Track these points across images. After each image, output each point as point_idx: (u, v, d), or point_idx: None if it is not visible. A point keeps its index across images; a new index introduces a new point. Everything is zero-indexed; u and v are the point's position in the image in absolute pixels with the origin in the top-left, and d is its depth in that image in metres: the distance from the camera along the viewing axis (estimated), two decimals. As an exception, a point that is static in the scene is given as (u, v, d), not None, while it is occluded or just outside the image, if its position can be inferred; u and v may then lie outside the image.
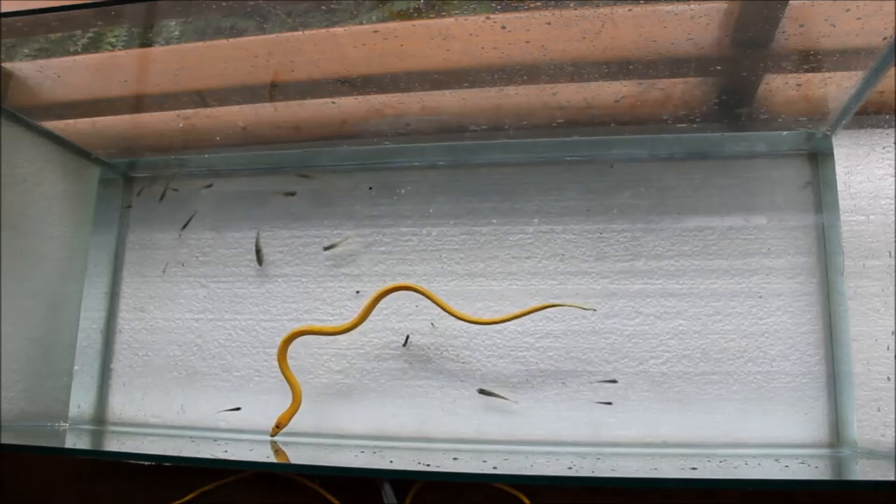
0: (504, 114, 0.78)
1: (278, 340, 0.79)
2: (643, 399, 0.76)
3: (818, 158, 0.78)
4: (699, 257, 0.78)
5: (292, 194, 0.86)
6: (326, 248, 0.83)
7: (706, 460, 0.67)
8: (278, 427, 0.75)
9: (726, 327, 0.76)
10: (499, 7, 0.62)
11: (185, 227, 0.90)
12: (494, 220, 0.83)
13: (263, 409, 0.82)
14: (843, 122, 0.74)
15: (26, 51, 0.72)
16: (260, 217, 0.89)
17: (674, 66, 0.68)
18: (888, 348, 0.71)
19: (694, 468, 0.63)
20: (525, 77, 0.71)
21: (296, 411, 0.77)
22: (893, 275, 0.72)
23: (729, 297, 0.77)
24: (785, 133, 0.78)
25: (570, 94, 0.74)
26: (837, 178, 0.76)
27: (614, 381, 0.76)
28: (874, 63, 0.64)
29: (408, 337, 0.81)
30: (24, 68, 0.75)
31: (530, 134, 0.82)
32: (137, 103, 0.82)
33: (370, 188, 0.86)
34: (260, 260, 0.85)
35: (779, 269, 0.77)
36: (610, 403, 0.76)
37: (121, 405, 0.87)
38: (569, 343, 0.78)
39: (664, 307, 0.78)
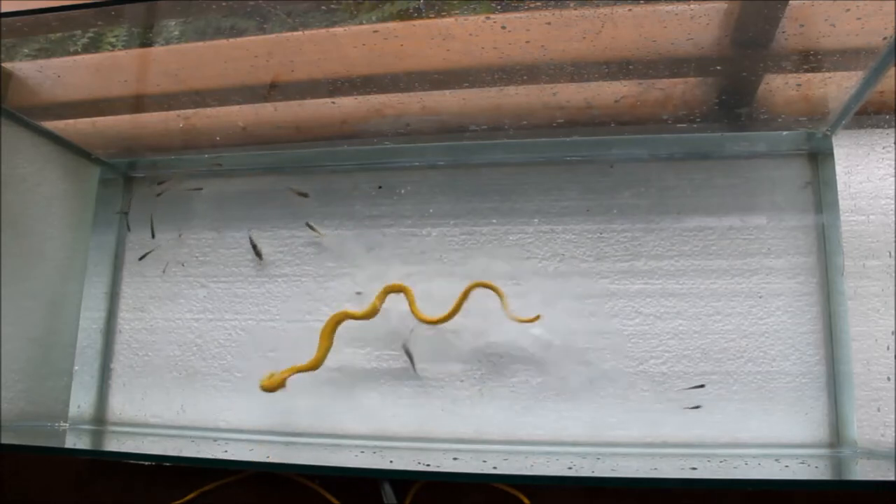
0: (504, 114, 0.78)
1: (278, 340, 0.80)
2: (643, 399, 0.76)
3: (818, 158, 0.78)
4: (699, 257, 0.78)
5: (305, 195, 0.86)
6: (308, 225, 0.83)
7: (706, 460, 0.67)
8: (270, 383, 0.75)
9: (726, 327, 0.76)
10: (499, 7, 0.62)
11: (142, 258, 0.90)
12: (494, 220, 0.83)
13: (264, 408, 0.82)
14: (843, 122, 0.74)
15: (26, 51, 0.72)
16: (260, 217, 0.89)
17: (674, 66, 0.68)
18: (888, 348, 0.71)
19: (694, 468, 0.63)
20: (525, 77, 0.71)
21: (299, 371, 0.76)
22: (893, 275, 0.72)
23: (729, 297, 0.77)
24: (785, 133, 0.78)
25: (570, 94, 0.74)
26: (837, 178, 0.76)
27: (702, 386, 0.75)
28: (874, 63, 0.64)
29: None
30: (24, 68, 0.75)
31: (530, 134, 0.82)
32: (137, 103, 0.82)
33: (379, 187, 0.86)
34: (259, 254, 0.85)
35: (779, 269, 0.77)
36: (699, 407, 0.75)
37: (121, 405, 0.87)
38: (569, 343, 0.78)
39: (664, 307, 0.78)
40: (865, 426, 0.71)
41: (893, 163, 0.74)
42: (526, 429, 0.77)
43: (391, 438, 0.79)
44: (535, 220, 0.82)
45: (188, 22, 0.68)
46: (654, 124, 0.78)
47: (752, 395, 0.74)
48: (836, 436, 0.72)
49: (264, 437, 0.78)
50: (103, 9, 0.65)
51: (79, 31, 0.69)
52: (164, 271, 0.90)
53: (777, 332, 0.75)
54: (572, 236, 0.81)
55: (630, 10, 0.60)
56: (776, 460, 0.67)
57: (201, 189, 0.91)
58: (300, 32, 0.67)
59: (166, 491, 0.77)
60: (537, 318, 0.75)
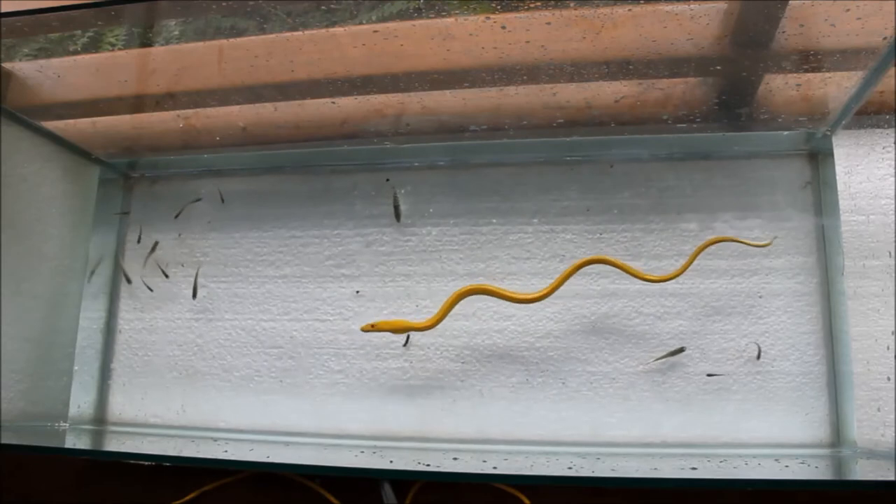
0: (504, 114, 0.78)
1: (278, 340, 0.79)
2: (643, 399, 0.76)
3: (818, 158, 0.78)
4: (699, 257, 0.78)
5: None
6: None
7: (706, 460, 0.67)
8: (373, 327, 0.75)
9: (726, 327, 0.76)
10: (499, 7, 0.62)
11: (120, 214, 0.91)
12: (494, 220, 0.83)
13: (263, 408, 0.82)
14: (843, 122, 0.74)
15: (26, 51, 0.72)
16: (259, 217, 0.89)
17: (674, 66, 0.68)
18: (888, 348, 0.71)
19: (694, 468, 0.63)
20: (525, 77, 0.71)
21: (400, 329, 0.76)
22: (893, 275, 0.72)
23: (729, 297, 0.77)
24: (785, 133, 0.78)
25: (570, 94, 0.74)
26: (837, 178, 0.76)
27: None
28: (874, 63, 0.64)
29: (408, 337, 0.81)
30: (24, 68, 0.75)
31: (530, 134, 0.82)
32: (137, 103, 0.82)
33: (387, 179, 0.86)
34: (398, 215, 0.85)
35: (779, 269, 0.77)
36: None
37: (121, 405, 0.87)
38: (569, 343, 0.78)
39: (664, 307, 0.78)
40: (865, 426, 0.71)
41: (893, 163, 0.74)
42: (526, 429, 0.77)
43: (391, 438, 0.79)
44: (535, 220, 0.82)
45: (188, 22, 0.68)
46: (654, 124, 0.78)
47: (752, 395, 0.74)
48: (836, 436, 0.72)
49: (264, 437, 0.78)
50: (103, 9, 0.65)
51: (79, 31, 0.69)
52: (164, 271, 0.90)
53: (777, 332, 0.75)
54: (572, 236, 0.81)
55: (630, 10, 0.60)
56: (776, 460, 0.67)
57: (200, 199, 0.91)
58: (300, 32, 0.67)
59: (166, 491, 0.77)
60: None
